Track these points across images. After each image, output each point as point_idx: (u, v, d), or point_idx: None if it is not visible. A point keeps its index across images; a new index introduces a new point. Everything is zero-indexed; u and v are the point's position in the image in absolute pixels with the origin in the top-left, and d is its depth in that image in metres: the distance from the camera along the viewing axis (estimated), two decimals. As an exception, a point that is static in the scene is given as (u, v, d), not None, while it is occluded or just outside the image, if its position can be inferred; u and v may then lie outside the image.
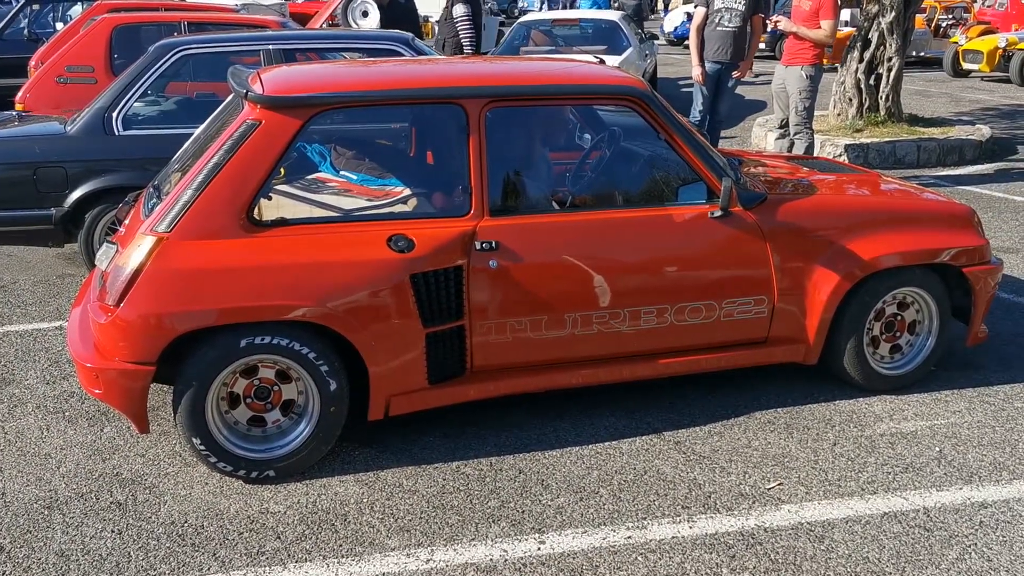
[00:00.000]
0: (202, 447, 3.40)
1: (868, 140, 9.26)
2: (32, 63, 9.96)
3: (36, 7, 13.57)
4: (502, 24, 19.41)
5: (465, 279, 3.59)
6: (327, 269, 3.41)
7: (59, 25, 14.12)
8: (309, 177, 4.21)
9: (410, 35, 6.03)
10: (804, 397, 4.13)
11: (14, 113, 6.00)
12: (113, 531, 3.18)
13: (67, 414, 4.02)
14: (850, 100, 9.90)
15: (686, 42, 20.07)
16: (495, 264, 3.61)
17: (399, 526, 3.21)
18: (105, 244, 3.69)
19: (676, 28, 23.75)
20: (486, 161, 3.62)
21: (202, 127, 4.29)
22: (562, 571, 2.96)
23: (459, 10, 9.48)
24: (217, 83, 6.24)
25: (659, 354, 3.91)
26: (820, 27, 7.53)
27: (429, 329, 3.55)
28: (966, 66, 16.33)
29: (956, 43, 16.79)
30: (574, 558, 3.03)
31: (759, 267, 3.89)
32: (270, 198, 3.64)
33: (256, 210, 3.46)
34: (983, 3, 22.47)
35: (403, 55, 5.72)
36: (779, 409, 4.03)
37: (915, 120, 10.21)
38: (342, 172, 4.28)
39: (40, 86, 7.90)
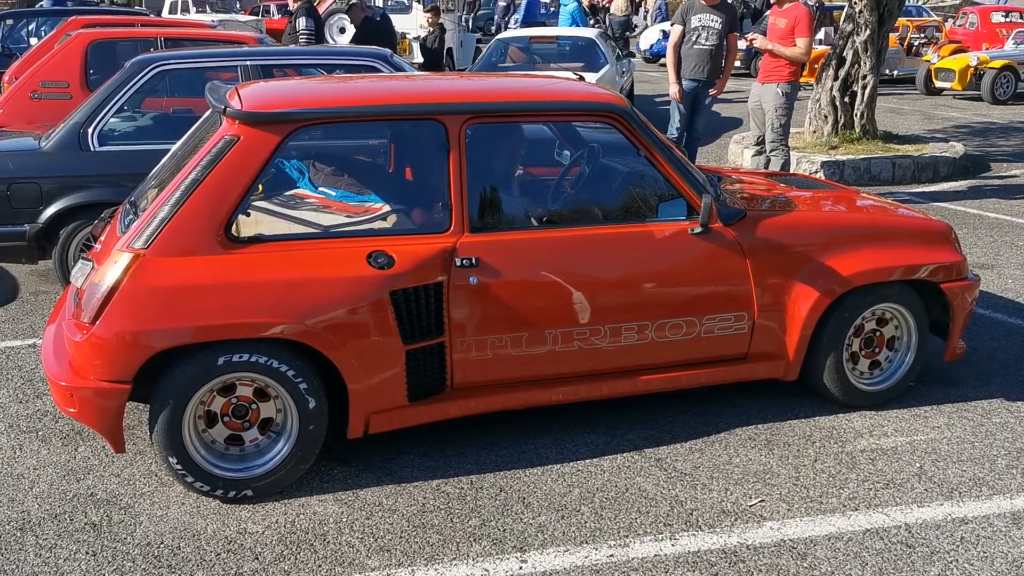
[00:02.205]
0: (179, 466, 3.35)
1: (843, 157, 9.34)
2: (6, 78, 9.87)
3: (10, 22, 13.47)
4: (479, 41, 19.45)
5: (445, 296, 3.57)
6: (306, 286, 3.39)
7: (33, 40, 14.03)
8: (288, 193, 4.18)
9: (388, 51, 6.03)
10: (784, 413, 4.13)
11: (-12, 129, 5.94)
12: (87, 553, 3.13)
13: (40, 433, 3.95)
14: (825, 117, 9.98)
15: (662, 60, 20.21)
16: (475, 280, 3.59)
17: (379, 546, 3.17)
18: (80, 261, 3.64)
19: (652, 46, 23.86)
20: (466, 177, 3.61)
21: (179, 143, 4.25)
22: (544, 590, 2.94)
23: (302, 23, 9.48)
24: (194, 99, 6.22)
25: (640, 371, 3.90)
26: (796, 45, 7.60)
27: (409, 346, 3.52)
28: (939, 84, 16.53)
29: (928, 62, 17.00)
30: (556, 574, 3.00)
31: (739, 283, 3.89)
32: (248, 214, 3.61)
33: (234, 226, 3.43)
34: (954, 23, 22.81)
35: (381, 71, 5.71)
36: (760, 425, 4.03)
37: (889, 137, 10.31)
38: (320, 188, 4.25)
39: (14, 101, 7.82)
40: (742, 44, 8.20)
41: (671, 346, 3.89)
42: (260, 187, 3.77)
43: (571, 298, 3.72)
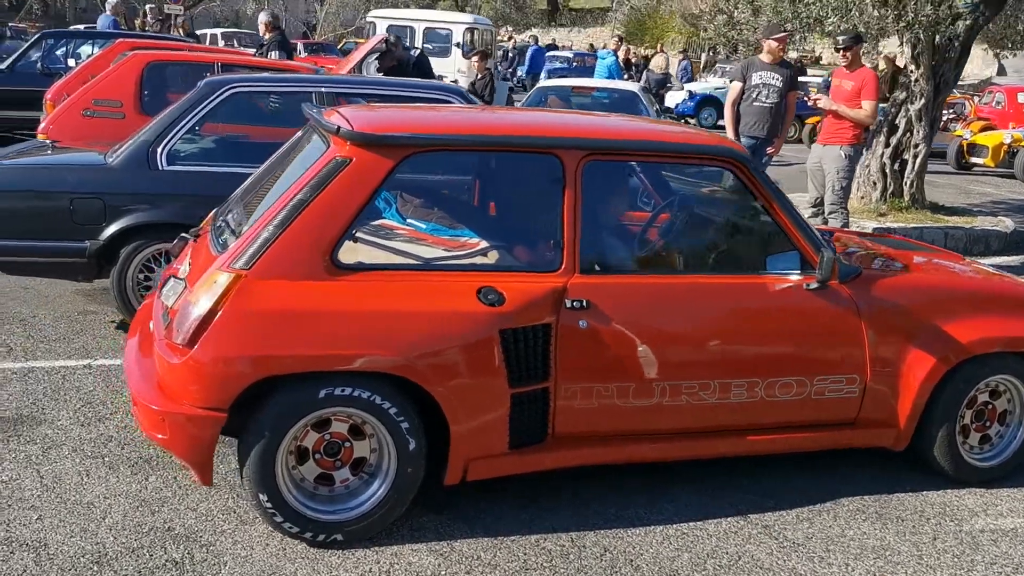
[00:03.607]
0: (269, 504, 3.13)
1: (895, 224, 9.21)
2: (48, 96, 9.78)
3: (51, 41, 13.44)
4: (511, 90, 19.49)
5: (553, 338, 3.38)
6: (414, 319, 3.20)
7: (71, 62, 14.01)
8: (374, 223, 4.01)
9: (464, 88, 5.90)
10: (890, 485, 3.91)
11: (48, 142, 5.78)
12: (171, 593, 2.90)
13: (107, 460, 3.73)
14: (874, 184, 9.87)
15: (685, 119, 20.28)
16: (585, 324, 3.40)
17: (485, 604, 2.94)
18: (172, 280, 3.45)
19: (678, 105, 23.99)
20: (580, 215, 3.44)
21: (269, 163, 4.10)
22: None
23: (274, 56, 9.49)
24: (267, 122, 6.10)
25: (747, 431, 3.70)
26: (862, 107, 7.50)
27: (514, 389, 3.32)
28: (971, 160, 16.49)
29: (961, 137, 16.99)
30: (683, 650, 2.77)
31: (853, 344, 3.70)
32: (355, 240, 3.42)
33: (339, 252, 3.25)
34: (979, 100, 22.89)
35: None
36: (866, 496, 3.81)
37: (937, 208, 10.20)
38: (409, 220, 4.08)
39: (65, 118, 7.68)
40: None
41: (780, 406, 3.68)
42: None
43: (682, 349, 3.53)
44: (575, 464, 3.51)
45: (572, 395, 3.44)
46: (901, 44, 9.52)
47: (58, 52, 13.81)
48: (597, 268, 3.50)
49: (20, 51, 13.32)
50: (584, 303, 3.40)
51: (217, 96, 5.34)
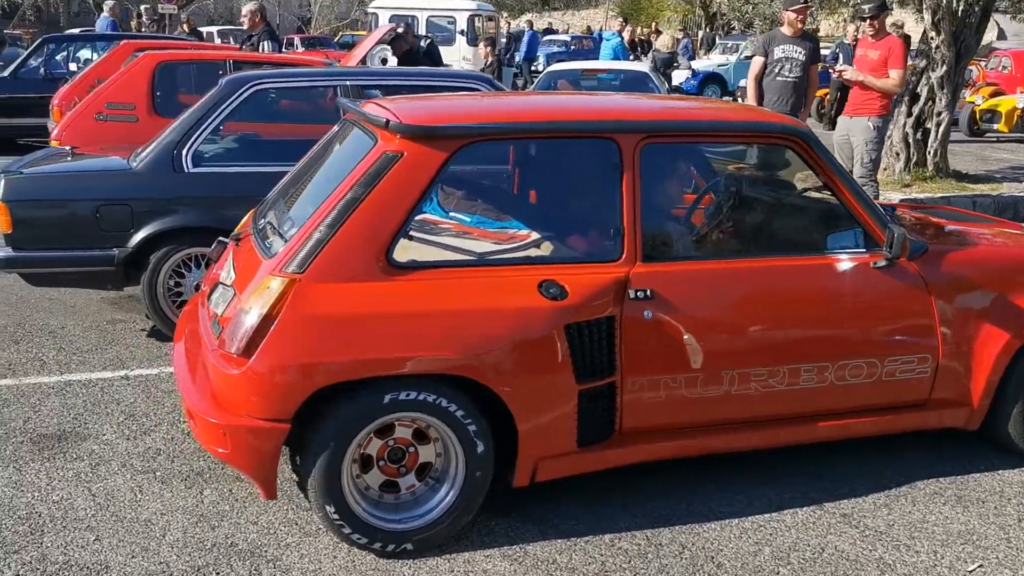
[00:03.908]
0: (336, 516, 3.02)
1: (921, 195, 9.07)
2: (55, 102, 9.65)
3: (52, 46, 13.29)
4: (516, 76, 19.31)
5: (618, 331, 3.25)
6: (476, 317, 3.07)
7: (72, 66, 13.86)
8: (416, 219, 3.87)
9: (491, 76, 5.75)
10: (964, 466, 3.79)
11: (67, 148, 5.64)
12: (244, 614, 2.78)
13: (158, 474, 3.61)
14: (897, 155, 9.73)
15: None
16: (650, 315, 3.28)
17: (568, 610, 2.83)
18: (220, 287, 3.33)
19: (682, 84, 23.78)
20: (640, 201, 3.31)
21: (305, 161, 3.97)
22: (774, 667, 2.59)
23: (266, 47, 9.28)
24: (291, 119, 5.97)
25: (817, 416, 3.57)
26: (889, 76, 7.34)
27: (581, 386, 3.20)
28: (983, 126, 16.31)
29: (973, 103, 16.80)
30: (782, 651, 2.65)
31: (923, 323, 3.58)
32: (411, 238, 3.29)
33: (395, 251, 3.12)
34: (986, 65, 22.66)
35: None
36: (941, 479, 3.69)
37: (961, 176, 10.05)
38: (452, 214, 3.95)
39: (78, 123, 7.54)
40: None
41: (851, 390, 3.56)
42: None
43: (750, 335, 3.41)
44: (644, 460, 3.39)
45: (639, 388, 3.31)
46: (920, 11, 9.37)
47: (58, 57, 13.66)
48: (659, 256, 3.38)
49: (22, 57, 13.17)
50: (648, 293, 3.27)
51: (240, 94, 5.20)
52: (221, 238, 3.99)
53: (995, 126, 16.03)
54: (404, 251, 3.31)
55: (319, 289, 3.00)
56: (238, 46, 10.59)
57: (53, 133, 7.58)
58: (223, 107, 5.17)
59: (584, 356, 3.19)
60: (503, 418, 3.15)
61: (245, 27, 10.14)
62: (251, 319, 2.97)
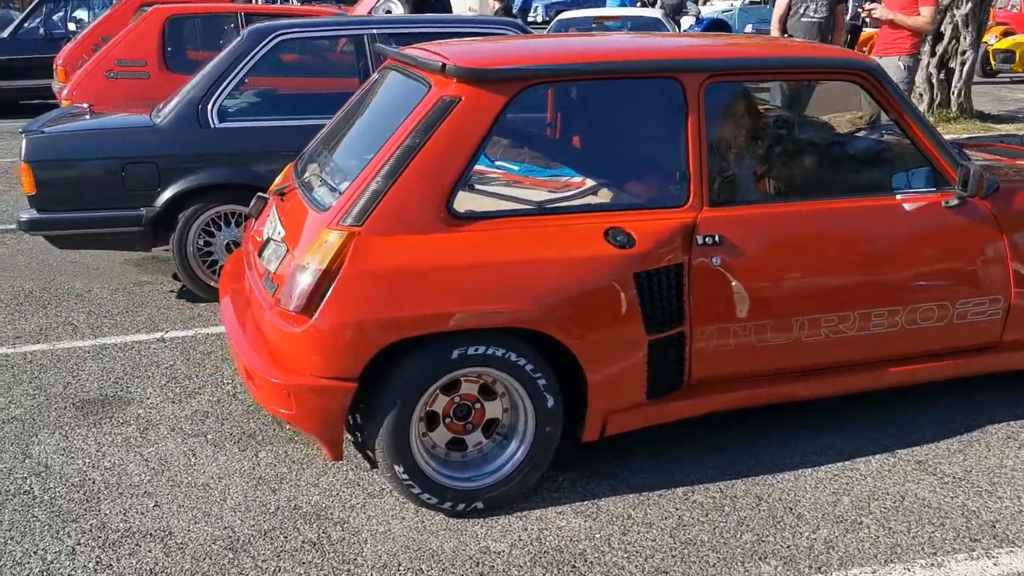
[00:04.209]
0: (405, 476, 2.92)
1: (947, 136, 8.88)
2: (59, 62, 9.43)
3: (50, 6, 13.00)
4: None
5: (686, 278, 3.13)
6: (543, 267, 2.95)
7: (71, 26, 13.59)
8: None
9: (520, 21, 5.57)
10: (1032, 408, 3.70)
11: (84, 106, 5.48)
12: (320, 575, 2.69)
13: (209, 437, 3.51)
14: (920, 95, 9.55)
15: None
16: (718, 261, 3.16)
17: (653, 567, 2.74)
18: (272, 242, 3.20)
19: (687, 31, 23.43)
20: (705, 143, 3.17)
21: (345, 110, 3.82)
22: (874, 620, 2.51)
23: None
24: (316, 71, 5.80)
25: (887, 362, 3.47)
26: (919, 14, 7.14)
27: (651, 336, 3.08)
28: (997, 66, 16.06)
29: (986, 43, 16.52)
30: (879, 603, 2.57)
31: (995, 263, 3.46)
32: (472, 188, 3.16)
33: (455, 201, 2.99)
34: (995, 5, 22.32)
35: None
36: (1012, 423, 3.60)
37: (984, 117, 9.88)
38: (498, 163, 3.81)
39: (88, 81, 7.37)
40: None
41: (921, 334, 3.45)
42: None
43: (820, 280, 3.29)
44: (713, 410, 3.29)
45: (708, 337, 3.20)
46: (945, -54, 9.13)
47: (55, 17, 13.38)
48: (726, 200, 3.24)
49: (19, 19, 12.90)
50: (716, 238, 3.15)
51: (264, 45, 5.02)
52: (261, 193, 3.85)
53: (1009, 66, 15.78)
54: (461, 202, 3.19)
55: (380, 242, 2.87)
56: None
57: (63, 92, 7.40)
58: (247, 59, 4.99)
59: (653, 305, 3.07)
60: (571, 371, 3.04)
61: None
62: (309, 275, 2.85)
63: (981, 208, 3.44)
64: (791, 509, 3.03)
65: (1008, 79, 16.34)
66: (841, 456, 3.36)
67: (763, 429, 3.53)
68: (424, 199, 2.94)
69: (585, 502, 3.08)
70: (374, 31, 5.18)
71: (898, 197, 3.40)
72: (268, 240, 3.24)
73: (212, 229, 4.99)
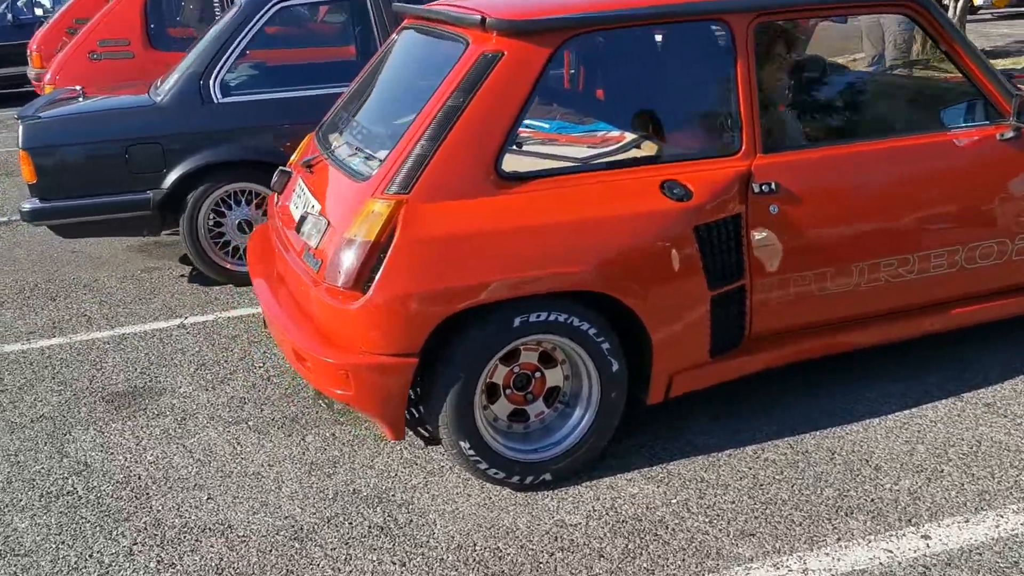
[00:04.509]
0: (471, 452, 2.80)
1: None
2: (33, 47, 9.15)
3: (13, -10, 12.63)
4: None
5: (744, 229, 3.01)
6: (604, 226, 2.81)
7: (38, 11, 13.24)
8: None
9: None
10: (1092, 343, 3.62)
11: (78, 88, 5.25)
12: (395, 562, 2.57)
13: (251, 424, 3.38)
14: (914, 35, 9.41)
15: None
16: (776, 209, 3.04)
17: (737, 530, 2.64)
18: (310, 216, 3.04)
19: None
20: (755, 87, 3.03)
21: (366, 74, 3.66)
22: (979, 572, 2.42)
23: None
24: (317, 39, 5.61)
25: (948, 304, 3.37)
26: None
27: (714, 291, 2.97)
28: (978, 2, 15.95)
29: (966, -20, 16.40)
30: (980, 554, 2.48)
31: (1053, 195, 3.35)
32: (520, 146, 3.01)
33: (503, 162, 2.84)
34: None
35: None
36: (1074, 359, 3.52)
37: (979, 53, 9.77)
38: (527, 122, 3.64)
39: (70, 64, 7.14)
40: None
41: (981, 273, 3.36)
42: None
43: (879, 223, 3.17)
44: (776, 364, 3.19)
45: (768, 289, 3.09)
46: None
47: (19, 3, 13.01)
48: (779, 145, 3.11)
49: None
50: (773, 186, 3.02)
51: (264, 13, 4.82)
52: (283, 168, 3.69)
53: (991, 2, 15.69)
54: (505, 163, 3.05)
55: (430, 209, 2.73)
56: None
57: (46, 78, 7.15)
58: (247, 30, 4.79)
59: (714, 259, 2.95)
60: (632, 334, 2.92)
61: None
62: (357, 248, 2.71)
63: (1036, 139, 3.33)
64: (867, 461, 2.94)
65: (990, 15, 16.27)
66: (907, 403, 3.27)
67: (822, 380, 3.44)
68: (472, 161, 2.79)
69: (654, 467, 2.97)
70: (377, -7, 4.97)
71: (952, 132, 3.29)
72: (306, 215, 3.08)
73: (222, 209, 4.81)
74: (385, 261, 2.66)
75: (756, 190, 3.01)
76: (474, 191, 2.78)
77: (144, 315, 4.55)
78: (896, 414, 3.21)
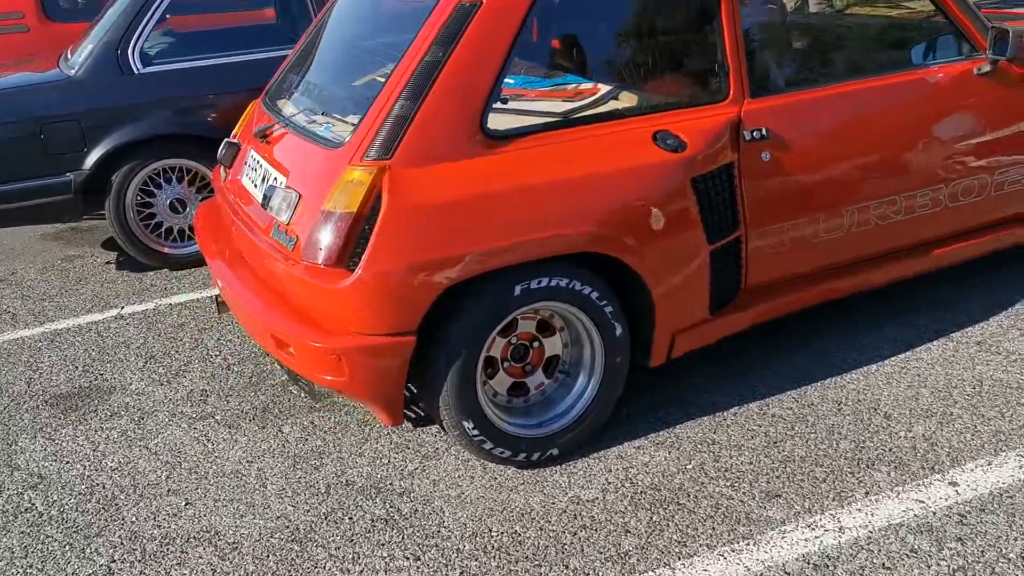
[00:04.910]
0: (476, 432, 2.62)
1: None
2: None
3: None
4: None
5: (737, 178, 2.88)
6: (601, 182, 2.64)
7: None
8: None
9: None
10: (1066, 275, 3.63)
11: (-25, 66, 4.81)
12: (407, 556, 2.39)
13: (218, 418, 3.12)
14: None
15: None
16: (768, 156, 2.92)
17: (761, 491, 2.53)
18: (277, 190, 2.78)
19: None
20: (740, 29, 2.89)
21: (315, 32, 3.39)
22: (1014, 515, 2.36)
23: None
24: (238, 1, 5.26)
25: (932, 244, 3.32)
26: None
27: (712, 245, 2.84)
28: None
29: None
30: (1011, 497, 2.42)
31: (1028, 128, 3.32)
32: (505, 101, 2.80)
33: (489, 119, 2.64)
34: None
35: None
36: (1052, 292, 3.52)
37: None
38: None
39: (-42, 44, 6.56)
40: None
41: (963, 211, 3.32)
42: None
43: (867, 164, 3.09)
44: (773, 316, 3.08)
45: (762, 238, 2.98)
46: None
47: None
48: (765, 89, 2.99)
49: None
50: (764, 132, 2.90)
51: (183, -26, 4.46)
52: (229, 139, 3.40)
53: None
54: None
55: (416, 174, 2.51)
56: None
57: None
58: (164, -7, 4.42)
59: (712, 211, 2.82)
60: (627, 295, 2.78)
61: None
62: (338, 221, 2.47)
63: (1011, 72, 3.28)
64: (875, 409, 2.87)
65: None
66: (900, 347, 3.22)
67: (816, 329, 3.37)
68: (456, 120, 2.58)
69: (660, 432, 2.85)
70: (302, -51, 4.66)
71: (930, 69, 3.22)
72: (272, 189, 2.81)
73: (151, 188, 4.47)
74: (374, 233, 2.44)
75: (747, 137, 2.88)
76: (461, 152, 2.57)
77: (75, 308, 4.20)
78: (893, 359, 3.15)
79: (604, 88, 3.16)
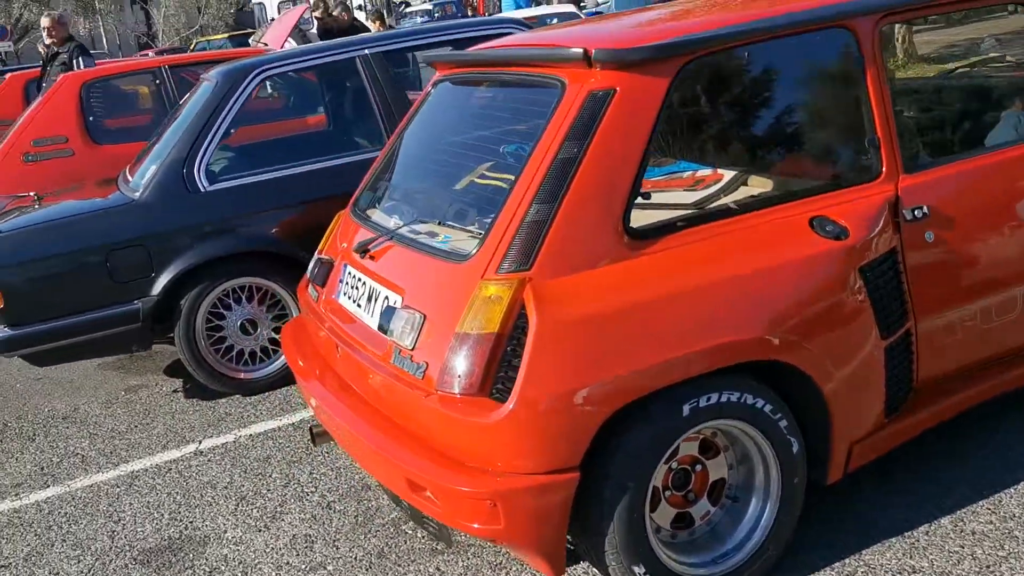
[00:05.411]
0: (648, 577, 2.26)
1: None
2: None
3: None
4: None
5: (902, 263, 2.57)
6: (762, 280, 2.34)
7: (-61, 119, 12.35)
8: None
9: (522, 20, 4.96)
10: None
11: (31, 195, 4.61)
12: None
13: (330, 568, 2.77)
14: None
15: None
16: (931, 236, 2.61)
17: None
18: (395, 312, 2.48)
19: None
20: (889, 97, 2.62)
21: (408, 134, 3.16)
22: None
23: (81, 63, 7.38)
24: (302, 109, 5.08)
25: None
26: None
27: (886, 340, 2.51)
28: None
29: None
30: None
31: None
32: (648, 196, 2.51)
33: (631, 217, 2.35)
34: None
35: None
36: None
37: None
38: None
39: (4, 170, 6.41)
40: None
41: None
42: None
43: (1034, 240, 2.77)
44: (950, 416, 2.73)
45: (932, 328, 2.65)
46: None
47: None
48: (921, 162, 2.70)
49: None
50: (925, 210, 2.60)
51: (246, 86, 4.27)
52: (321, 256, 3.14)
53: None
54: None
55: (561, 284, 2.22)
56: (40, 67, 8.32)
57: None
58: (229, 106, 4.23)
59: (882, 302, 2.50)
60: (797, 405, 2.45)
61: (47, 42, 7.89)
62: (476, 344, 2.17)
63: None
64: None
65: None
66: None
67: (984, 426, 3.00)
68: (600, 221, 2.30)
69: (847, 561, 2.48)
70: (367, 52, 4.47)
71: (1089, 130, 2.93)
72: (390, 310, 2.51)
73: (219, 310, 4.21)
74: (525, 356, 2.13)
75: (908, 217, 2.58)
76: (607, 255, 2.29)
77: (149, 445, 3.89)
78: (1083, 454, 2.78)
79: (728, 174, 2.88)
